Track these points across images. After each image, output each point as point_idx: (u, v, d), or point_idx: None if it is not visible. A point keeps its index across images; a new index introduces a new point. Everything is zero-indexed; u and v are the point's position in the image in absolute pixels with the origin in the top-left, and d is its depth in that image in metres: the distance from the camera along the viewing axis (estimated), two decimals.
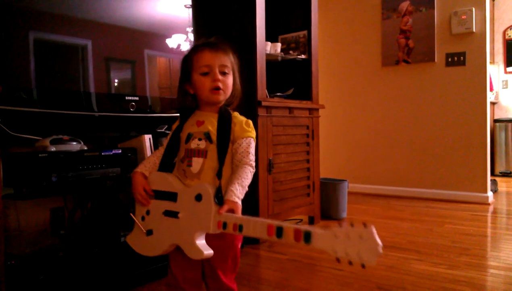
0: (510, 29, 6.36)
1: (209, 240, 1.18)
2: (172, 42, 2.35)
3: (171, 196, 1.24)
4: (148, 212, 1.29)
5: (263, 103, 2.60)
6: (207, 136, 1.26)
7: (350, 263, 0.89)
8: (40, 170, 1.66)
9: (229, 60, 1.31)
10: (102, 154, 1.90)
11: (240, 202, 1.16)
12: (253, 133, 1.30)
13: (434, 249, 2.46)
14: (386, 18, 4.38)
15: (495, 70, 6.38)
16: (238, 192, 1.16)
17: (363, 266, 0.87)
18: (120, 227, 2.13)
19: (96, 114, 1.98)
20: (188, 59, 1.33)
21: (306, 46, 3.17)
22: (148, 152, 2.12)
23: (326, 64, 4.65)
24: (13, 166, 1.72)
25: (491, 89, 6.08)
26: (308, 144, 3.05)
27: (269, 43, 2.89)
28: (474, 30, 3.86)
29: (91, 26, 2.00)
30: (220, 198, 1.15)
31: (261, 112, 2.60)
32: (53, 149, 1.76)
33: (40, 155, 1.67)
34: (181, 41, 2.38)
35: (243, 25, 2.68)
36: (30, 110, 1.74)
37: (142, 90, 2.23)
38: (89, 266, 1.90)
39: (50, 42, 1.87)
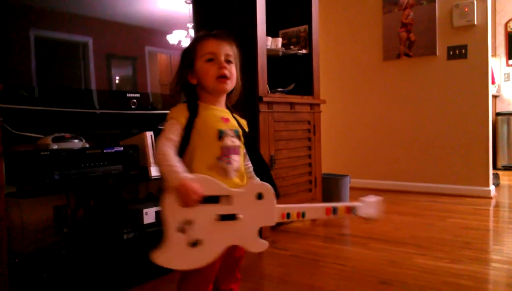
0: None
1: None
2: (173, 38, 2.34)
3: (222, 200, 1.18)
4: (190, 222, 1.16)
5: (265, 99, 2.59)
6: (237, 134, 1.27)
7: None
8: (42, 168, 1.66)
9: (233, 51, 1.29)
10: (104, 151, 1.90)
11: None
12: None
13: (436, 243, 2.46)
14: (387, 12, 4.36)
15: (497, 63, 6.35)
16: None
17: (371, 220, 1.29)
18: (122, 224, 2.14)
19: (98, 111, 1.98)
20: (191, 48, 1.29)
21: (307, 41, 3.16)
22: (150, 149, 2.12)
23: (327, 59, 4.64)
24: (16, 164, 1.72)
25: (493, 82, 6.06)
26: (309, 139, 3.05)
27: (269, 38, 2.88)
28: (475, 23, 3.85)
29: (92, 23, 1.99)
30: (277, 193, 1.24)
31: (263, 108, 2.60)
32: (55, 146, 1.76)
33: (42, 153, 1.67)
34: (182, 37, 2.38)
35: (244, 20, 2.67)
36: (31, 108, 1.75)
37: (143, 87, 2.23)
38: (92, 264, 1.90)
39: (51, 39, 1.87)
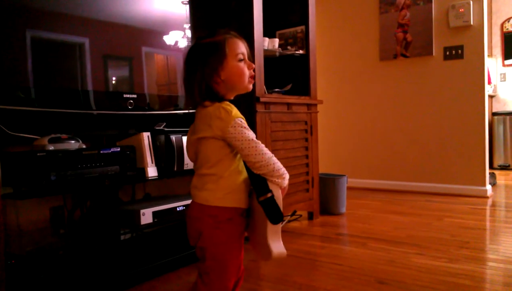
0: (508, 22, 6.35)
1: None
2: (170, 39, 2.34)
3: None
4: None
5: (262, 99, 2.59)
6: None
7: None
8: (39, 169, 1.66)
9: (249, 52, 1.31)
10: (101, 152, 1.90)
11: None
12: None
13: (433, 243, 2.46)
14: (383, 12, 4.37)
15: (493, 63, 6.37)
16: None
17: None
18: (119, 225, 2.14)
19: (94, 112, 1.98)
20: (220, 45, 1.23)
21: (304, 41, 3.16)
22: (147, 150, 2.12)
23: (324, 59, 4.65)
24: (12, 165, 1.71)
25: (489, 83, 6.08)
26: (306, 140, 3.05)
27: (266, 38, 2.88)
28: (472, 23, 3.86)
29: (88, 24, 1.99)
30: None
31: (260, 108, 2.60)
32: (51, 147, 1.76)
33: (38, 154, 1.66)
34: (179, 38, 2.38)
35: (241, 20, 2.67)
36: (28, 109, 1.74)
37: (140, 88, 2.22)
38: (89, 265, 1.90)
39: (47, 40, 1.87)
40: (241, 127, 1.16)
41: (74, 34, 1.96)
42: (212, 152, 1.18)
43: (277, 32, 3.28)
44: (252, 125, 2.54)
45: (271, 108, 2.70)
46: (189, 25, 2.44)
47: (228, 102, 1.21)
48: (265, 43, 2.84)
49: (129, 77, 2.24)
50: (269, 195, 1.15)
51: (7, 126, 1.73)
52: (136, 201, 2.36)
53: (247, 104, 2.56)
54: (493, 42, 6.42)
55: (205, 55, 1.24)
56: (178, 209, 2.12)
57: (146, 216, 2.01)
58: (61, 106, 1.85)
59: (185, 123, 2.23)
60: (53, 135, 1.81)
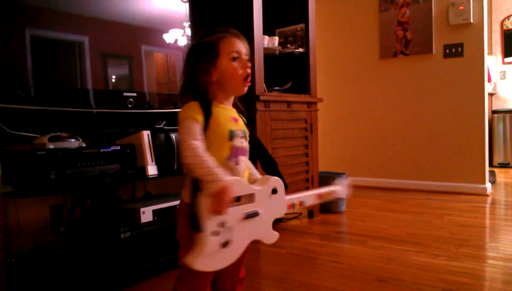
0: (508, 19, 6.35)
1: None
2: (170, 37, 2.34)
3: (246, 198, 1.21)
4: (223, 224, 1.15)
5: (261, 98, 2.59)
6: (244, 135, 1.25)
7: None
8: (39, 167, 1.66)
9: (248, 51, 1.28)
10: (101, 150, 1.90)
11: None
12: None
13: (433, 241, 2.47)
14: (383, 10, 4.37)
15: (493, 61, 6.37)
16: None
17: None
18: (119, 223, 2.14)
19: (94, 111, 1.98)
20: (213, 44, 1.23)
21: (303, 39, 3.16)
22: (147, 148, 2.12)
23: (324, 58, 4.65)
24: (12, 164, 1.71)
25: (489, 80, 6.08)
26: (306, 138, 3.05)
27: (266, 37, 2.88)
28: (471, 21, 3.86)
29: (88, 22, 1.99)
30: (286, 186, 1.32)
31: (259, 106, 2.60)
32: (51, 146, 1.76)
33: (38, 153, 1.67)
34: (179, 36, 2.37)
35: (240, 19, 2.67)
36: (28, 107, 1.74)
37: (140, 86, 2.22)
38: (89, 263, 1.90)
39: (47, 39, 1.86)
40: (185, 128, 1.14)
41: (74, 32, 1.96)
42: None
43: (277, 30, 3.28)
44: (252, 124, 2.55)
45: (271, 106, 2.70)
46: (189, 23, 2.44)
47: (194, 103, 1.19)
48: (265, 41, 2.83)
49: (129, 75, 2.24)
50: (193, 200, 1.12)
51: (7, 125, 1.73)
52: (136, 199, 2.36)
53: (247, 102, 2.55)
54: (493, 40, 6.42)
55: (198, 55, 1.25)
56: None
57: (146, 214, 2.02)
58: (61, 104, 1.85)
59: None
60: (53, 134, 1.81)
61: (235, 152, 1.21)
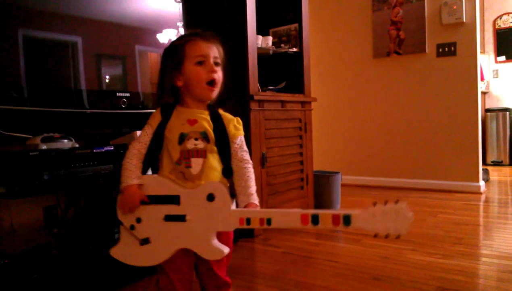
0: (500, 18, 6.38)
1: None
2: (163, 37, 2.33)
3: (171, 200, 1.17)
4: (139, 220, 1.20)
5: (256, 97, 2.59)
6: (204, 136, 1.22)
7: (387, 236, 1.02)
8: (31, 168, 1.65)
9: (219, 53, 1.27)
10: (94, 151, 1.89)
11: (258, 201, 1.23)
12: (243, 131, 1.31)
13: (427, 239, 2.48)
14: (376, 10, 4.38)
15: (485, 60, 6.40)
16: (255, 192, 1.24)
17: (398, 237, 1.02)
18: (113, 224, 2.12)
19: (88, 111, 1.97)
20: (179, 48, 1.25)
21: (297, 39, 3.16)
22: None
23: (317, 57, 4.65)
24: (5, 165, 1.70)
25: (482, 79, 6.11)
26: (301, 137, 3.06)
27: (260, 36, 2.88)
28: (464, 20, 3.87)
29: (81, 23, 1.98)
30: (233, 194, 1.20)
31: (254, 106, 2.59)
32: (44, 147, 1.75)
33: (31, 153, 1.65)
34: (172, 36, 2.37)
35: (234, 18, 2.66)
36: (20, 108, 1.73)
37: (133, 86, 2.21)
38: (84, 264, 1.89)
39: (40, 39, 1.85)
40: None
41: (67, 33, 1.94)
42: None
43: (271, 30, 3.28)
44: (246, 124, 2.54)
45: (265, 106, 2.69)
46: (182, 23, 2.43)
47: (158, 108, 1.29)
48: (258, 41, 2.83)
49: (122, 75, 2.23)
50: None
51: (0, 126, 1.71)
52: None
53: (241, 102, 2.55)
54: (485, 39, 6.45)
55: (167, 56, 1.28)
56: None
57: None
58: (54, 105, 1.84)
59: None
60: (45, 135, 1.80)
61: (186, 155, 1.21)
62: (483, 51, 6.32)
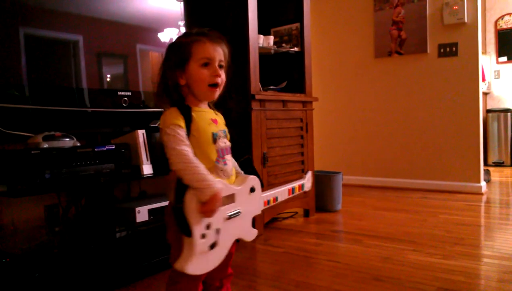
0: (502, 19, 6.38)
1: None
2: (165, 36, 2.33)
3: (228, 199, 1.23)
4: (209, 226, 1.16)
5: (257, 97, 2.59)
6: (225, 134, 1.28)
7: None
8: (33, 166, 1.65)
9: (224, 55, 1.27)
10: (95, 150, 1.89)
11: None
12: None
13: (428, 240, 2.47)
14: (378, 10, 4.38)
15: (487, 61, 6.40)
16: None
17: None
18: (115, 223, 2.13)
19: (89, 110, 1.97)
20: (185, 46, 1.23)
21: (298, 38, 3.16)
22: (142, 147, 2.11)
23: (319, 57, 4.65)
24: (6, 163, 1.70)
25: (483, 80, 6.10)
26: (302, 137, 3.05)
27: (261, 36, 2.87)
28: (466, 20, 3.87)
29: (83, 21, 1.98)
30: (262, 184, 1.36)
31: (255, 105, 2.59)
32: (45, 145, 1.75)
33: (32, 152, 1.65)
34: (174, 35, 2.37)
35: (235, 18, 2.66)
36: (22, 107, 1.73)
37: (134, 85, 2.21)
38: (85, 263, 1.89)
39: (41, 38, 1.85)
40: (170, 135, 1.15)
41: (68, 31, 1.95)
42: None
43: (272, 30, 3.28)
44: (248, 123, 2.54)
45: (266, 105, 2.69)
46: (184, 22, 2.43)
47: (173, 109, 1.20)
48: (260, 41, 2.83)
49: (124, 74, 2.24)
50: (179, 205, 1.12)
51: (1, 124, 1.71)
52: (131, 199, 2.35)
53: (242, 101, 2.55)
54: (487, 40, 6.44)
55: (170, 55, 1.26)
56: None
57: (142, 213, 2.01)
58: (56, 104, 1.84)
59: None
60: (47, 133, 1.80)
61: (221, 153, 1.24)
62: (484, 52, 6.32)
